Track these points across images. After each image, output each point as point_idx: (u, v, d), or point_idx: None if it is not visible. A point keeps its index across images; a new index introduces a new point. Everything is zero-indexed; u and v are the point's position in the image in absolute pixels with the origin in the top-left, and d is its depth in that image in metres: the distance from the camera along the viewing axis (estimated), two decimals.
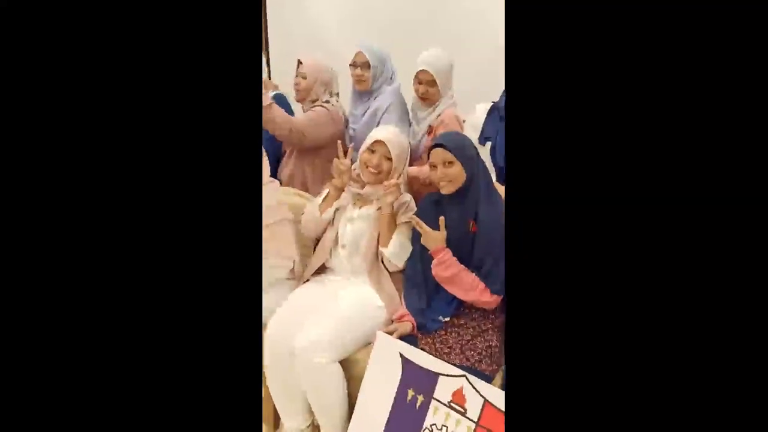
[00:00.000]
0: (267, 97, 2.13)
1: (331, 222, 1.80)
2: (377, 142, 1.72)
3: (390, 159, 1.72)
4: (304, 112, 2.21)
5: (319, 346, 1.48)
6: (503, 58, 0.89)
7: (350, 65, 2.18)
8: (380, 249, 1.69)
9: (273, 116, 2.05)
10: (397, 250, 1.67)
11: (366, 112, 2.15)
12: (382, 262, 1.71)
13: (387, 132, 1.76)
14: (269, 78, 3.22)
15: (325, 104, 2.18)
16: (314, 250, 1.86)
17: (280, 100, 2.47)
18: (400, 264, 1.69)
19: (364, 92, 2.19)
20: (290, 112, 2.34)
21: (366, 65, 2.14)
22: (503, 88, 1.96)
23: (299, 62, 2.22)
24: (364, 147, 1.76)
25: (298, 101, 2.22)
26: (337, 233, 1.77)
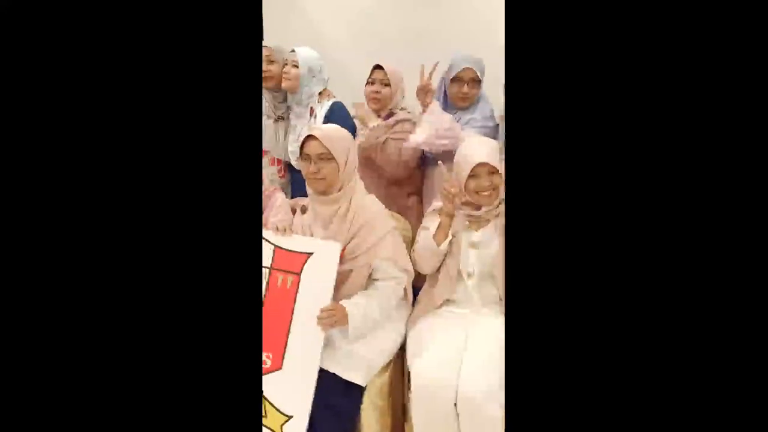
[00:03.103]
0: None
1: (449, 251, 1.64)
2: (479, 165, 1.56)
3: (496, 172, 1.57)
4: (365, 122, 2.00)
5: (491, 395, 1.33)
6: (503, 59, 0.89)
7: (453, 81, 1.95)
8: None
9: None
10: None
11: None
12: None
13: (482, 150, 1.59)
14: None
15: (403, 112, 1.99)
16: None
17: (340, 109, 2.26)
18: None
19: (456, 109, 1.99)
20: (350, 122, 2.13)
21: (475, 82, 1.92)
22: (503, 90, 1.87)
23: (378, 67, 1.97)
24: (462, 172, 1.58)
25: (375, 111, 1.99)
26: (459, 262, 1.62)
